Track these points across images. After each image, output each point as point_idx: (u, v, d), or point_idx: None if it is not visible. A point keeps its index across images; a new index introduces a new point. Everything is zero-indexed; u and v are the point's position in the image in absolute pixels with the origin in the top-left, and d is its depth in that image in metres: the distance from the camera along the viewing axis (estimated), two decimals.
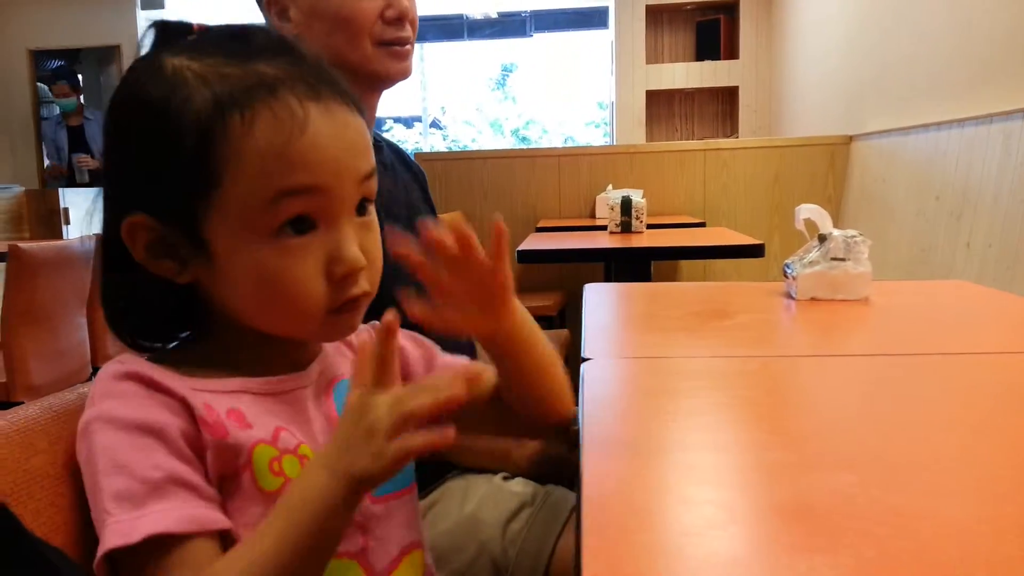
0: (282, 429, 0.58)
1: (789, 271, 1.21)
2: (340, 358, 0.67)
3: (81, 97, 5.87)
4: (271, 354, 0.61)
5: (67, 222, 4.33)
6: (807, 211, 1.23)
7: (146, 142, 0.55)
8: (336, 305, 0.57)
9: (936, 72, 2.68)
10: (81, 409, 0.57)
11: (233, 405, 0.57)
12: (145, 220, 0.56)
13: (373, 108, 1.13)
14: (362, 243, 0.58)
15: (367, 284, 0.59)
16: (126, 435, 0.52)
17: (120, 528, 0.49)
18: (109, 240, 0.58)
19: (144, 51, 0.60)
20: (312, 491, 0.50)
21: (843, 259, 1.16)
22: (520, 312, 0.62)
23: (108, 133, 0.58)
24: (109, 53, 6.36)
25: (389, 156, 1.20)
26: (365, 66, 1.05)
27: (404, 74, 1.10)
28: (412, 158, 1.28)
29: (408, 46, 1.09)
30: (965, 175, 2.33)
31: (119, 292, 0.61)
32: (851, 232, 1.18)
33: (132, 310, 0.61)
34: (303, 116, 0.54)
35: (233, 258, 0.56)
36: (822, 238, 1.19)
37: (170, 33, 0.60)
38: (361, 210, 0.59)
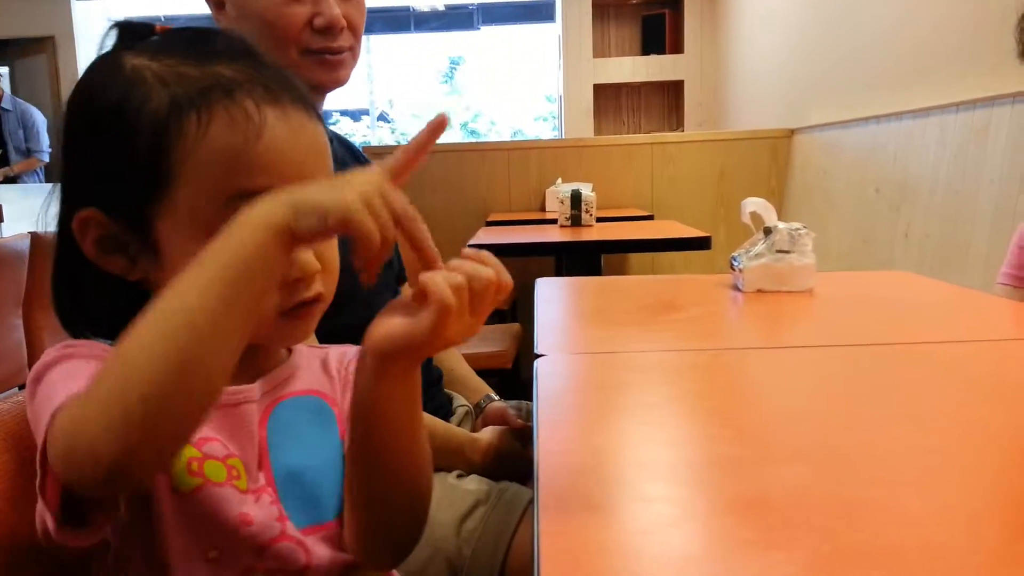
0: (213, 440, 0.56)
1: (736, 264, 1.23)
2: (308, 373, 0.65)
3: None
4: None
5: (0, 219, 4.16)
6: (753, 204, 1.25)
7: (101, 139, 0.55)
8: (287, 308, 0.57)
9: (875, 67, 2.75)
10: (16, 418, 0.55)
11: None
12: (95, 215, 0.56)
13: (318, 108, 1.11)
14: (318, 248, 0.58)
15: (321, 287, 0.58)
16: (83, 360, 0.53)
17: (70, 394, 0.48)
18: (63, 235, 0.58)
19: (104, 51, 0.59)
20: (237, 224, 0.47)
21: (788, 251, 1.18)
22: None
23: (65, 129, 0.58)
24: (39, 43, 6.14)
25: (339, 150, 1.18)
26: (293, 72, 1.02)
27: (337, 83, 1.06)
28: (362, 152, 1.26)
29: (342, 55, 1.04)
30: (903, 167, 2.40)
31: (70, 287, 0.60)
32: (795, 225, 1.20)
33: (83, 306, 0.60)
34: (259, 120, 0.54)
35: (182, 258, 0.54)
36: (767, 231, 1.21)
37: (131, 33, 0.59)
38: None
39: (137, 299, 0.58)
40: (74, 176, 0.58)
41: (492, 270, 0.50)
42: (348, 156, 1.20)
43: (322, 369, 0.66)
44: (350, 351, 0.68)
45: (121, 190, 0.55)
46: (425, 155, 0.53)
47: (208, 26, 0.60)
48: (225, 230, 0.46)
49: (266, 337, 0.59)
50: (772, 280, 1.17)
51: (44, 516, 0.51)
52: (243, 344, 0.47)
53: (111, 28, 0.60)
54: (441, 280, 0.48)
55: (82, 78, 0.57)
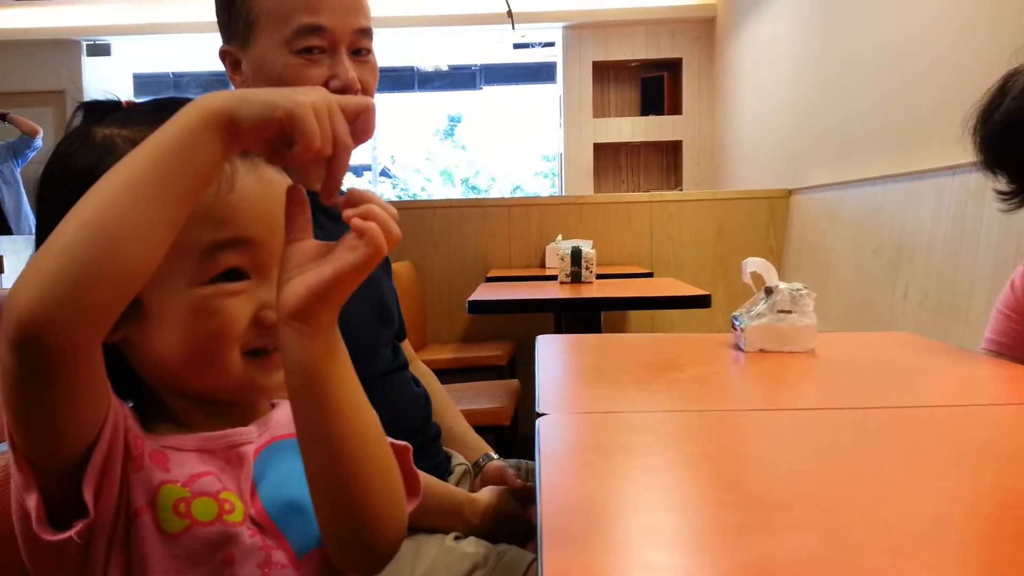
0: (207, 475, 0.56)
1: (737, 323, 1.23)
2: (289, 421, 0.65)
3: None
4: (207, 416, 0.60)
5: (1, 271, 4.18)
6: (754, 264, 1.25)
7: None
8: (254, 347, 0.58)
9: (871, 129, 2.79)
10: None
11: (160, 449, 0.56)
12: None
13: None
14: None
15: None
16: None
17: None
18: None
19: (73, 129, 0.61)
20: (179, 112, 0.48)
21: (789, 311, 1.18)
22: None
23: (38, 200, 0.59)
24: (48, 97, 6.25)
25: (321, 217, 1.19)
26: None
27: None
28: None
29: None
30: (900, 228, 2.42)
31: None
32: (797, 285, 1.20)
33: None
34: (231, 172, 0.56)
35: (165, 308, 0.56)
36: (768, 291, 1.21)
37: (98, 112, 0.61)
38: None
39: (116, 362, 0.58)
40: None
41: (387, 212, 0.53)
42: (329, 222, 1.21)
43: None
44: None
45: None
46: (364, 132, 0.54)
47: (177, 96, 0.61)
48: (159, 140, 0.47)
49: (234, 381, 0.58)
50: (774, 340, 1.17)
51: (25, 507, 0.50)
52: (171, 233, 0.48)
53: (77, 110, 0.62)
54: (376, 227, 0.50)
55: (54, 150, 0.59)
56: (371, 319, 1.12)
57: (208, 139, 0.48)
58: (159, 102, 0.60)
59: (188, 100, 0.59)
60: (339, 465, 0.54)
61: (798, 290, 1.19)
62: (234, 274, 0.57)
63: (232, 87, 1.08)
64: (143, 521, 0.53)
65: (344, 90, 1.04)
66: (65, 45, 6.30)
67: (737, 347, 1.21)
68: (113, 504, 0.53)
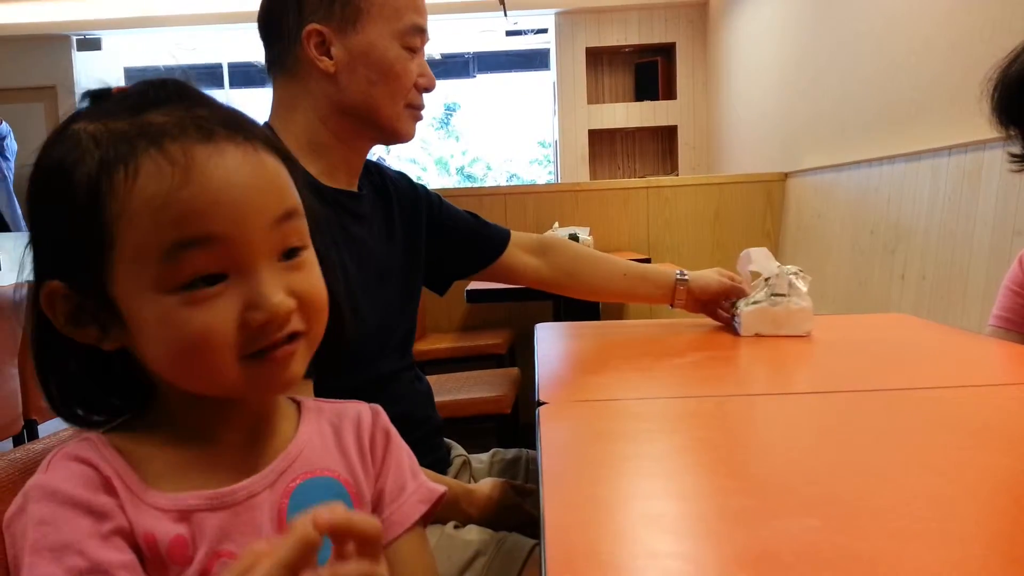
0: (223, 555, 0.53)
1: (733, 308, 1.23)
2: (321, 448, 0.61)
3: None
4: (220, 426, 0.57)
5: None
6: (754, 261, 1.23)
7: (47, 207, 0.54)
8: (253, 350, 0.53)
9: (866, 111, 2.78)
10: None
11: (180, 531, 0.53)
12: (59, 288, 0.54)
13: (364, 155, 1.16)
14: (291, 285, 0.54)
15: (300, 324, 0.55)
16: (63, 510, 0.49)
17: None
18: (39, 311, 0.55)
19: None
20: None
21: (784, 295, 1.18)
22: None
23: (27, 198, 0.56)
24: (39, 92, 6.23)
25: (406, 189, 1.24)
26: (392, 122, 1.09)
27: (411, 138, 1.15)
28: (416, 183, 1.30)
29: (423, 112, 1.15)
30: (897, 209, 2.42)
31: (52, 365, 0.57)
32: (792, 268, 1.20)
33: (68, 383, 0.57)
34: (186, 162, 0.51)
35: (142, 316, 0.53)
36: (767, 279, 1.21)
37: (90, 99, 0.58)
38: (291, 255, 0.55)
39: (119, 366, 0.56)
40: (36, 247, 0.56)
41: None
42: (406, 189, 1.24)
43: (336, 442, 0.62)
44: (364, 415, 0.64)
45: (73, 255, 0.53)
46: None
47: (162, 77, 0.58)
48: None
49: (237, 387, 0.54)
50: (769, 324, 1.17)
51: None
52: None
53: (81, 99, 0.59)
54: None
55: (39, 151, 0.56)
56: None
57: None
58: (141, 85, 0.56)
59: (167, 80, 0.56)
60: None
61: (792, 273, 1.19)
62: (207, 277, 0.52)
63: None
64: None
65: (430, 88, 1.12)
66: (55, 40, 6.27)
67: (734, 332, 1.21)
68: None
